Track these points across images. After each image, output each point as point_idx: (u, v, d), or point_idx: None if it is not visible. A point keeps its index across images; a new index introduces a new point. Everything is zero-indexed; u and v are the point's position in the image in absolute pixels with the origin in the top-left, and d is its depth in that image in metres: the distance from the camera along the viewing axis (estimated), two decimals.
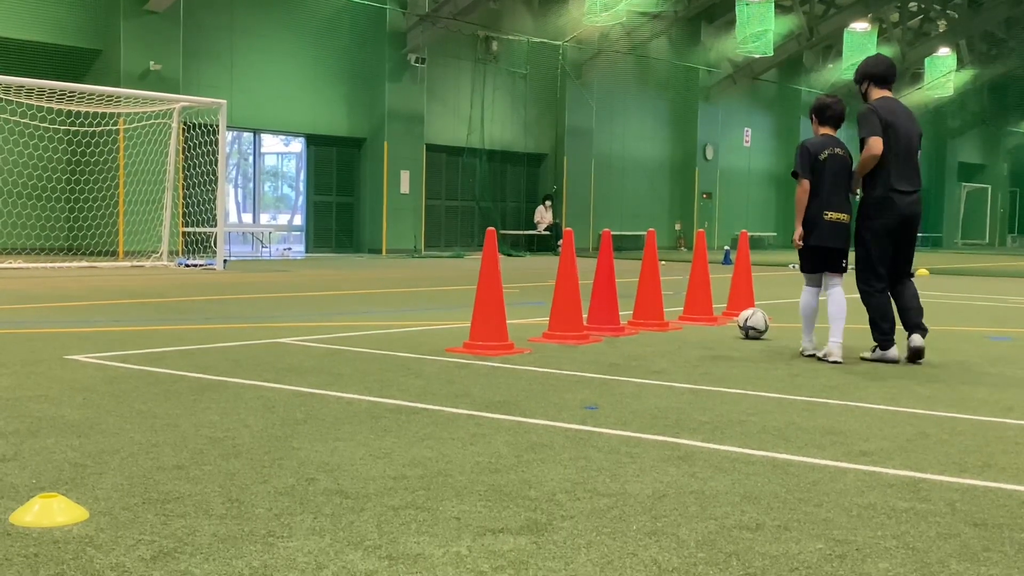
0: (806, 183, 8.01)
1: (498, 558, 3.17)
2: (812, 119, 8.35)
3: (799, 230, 8.07)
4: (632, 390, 6.37)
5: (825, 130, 8.25)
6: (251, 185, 27.04)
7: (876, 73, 8.24)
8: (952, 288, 17.56)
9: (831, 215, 7.99)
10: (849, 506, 3.85)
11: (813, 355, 8.05)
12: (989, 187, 52.17)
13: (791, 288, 16.72)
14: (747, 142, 37.93)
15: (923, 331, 7.94)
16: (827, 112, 8.25)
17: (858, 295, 8.13)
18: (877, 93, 8.25)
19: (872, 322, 8.03)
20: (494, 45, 29.17)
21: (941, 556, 3.30)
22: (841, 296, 8.08)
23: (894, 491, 4.08)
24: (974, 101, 48.08)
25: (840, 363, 7.82)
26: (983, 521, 3.70)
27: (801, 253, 8.17)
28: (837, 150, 8.08)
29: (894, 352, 7.92)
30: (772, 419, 5.50)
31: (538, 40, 29.93)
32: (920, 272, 22.32)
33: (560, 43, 30.32)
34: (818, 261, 8.15)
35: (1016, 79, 47.34)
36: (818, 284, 8.25)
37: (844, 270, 8.15)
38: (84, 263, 18.72)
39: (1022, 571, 3.17)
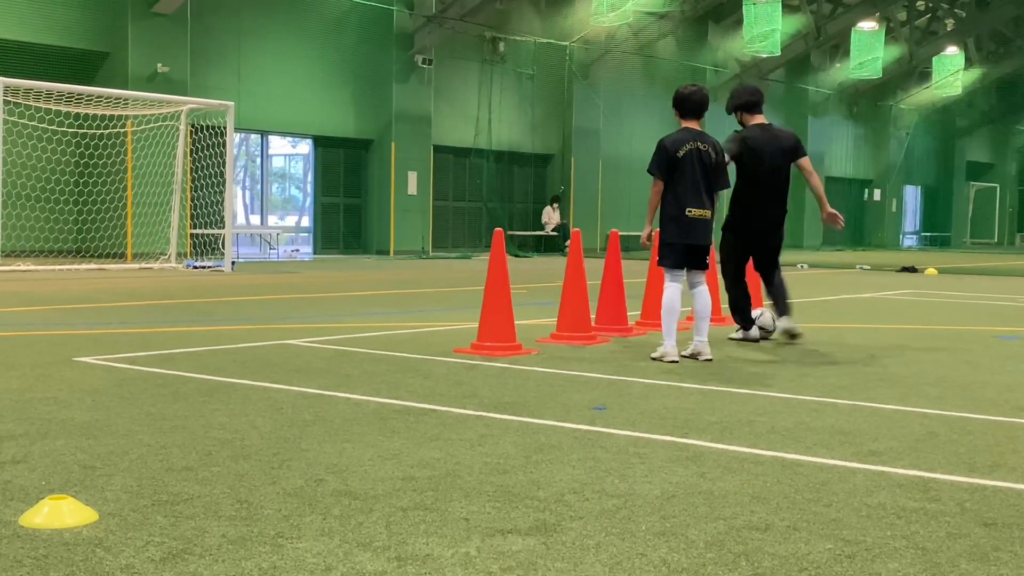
0: (660, 183, 7.90)
1: (507, 559, 3.17)
2: (675, 112, 8.14)
3: (647, 228, 8.05)
4: (640, 391, 6.37)
5: (688, 123, 8.02)
6: (259, 187, 27.06)
7: (741, 103, 9.17)
8: (961, 287, 17.53)
9: (693, 212, 7.78)
10: (858, 506, 3.84)
11: (675, 362, 7.61)
12: (998, 186, 52.06)
13: (800, 288, 16.68)
14: None
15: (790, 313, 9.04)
16: (687, 104, 8.00)
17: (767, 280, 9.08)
18: (749, 119, 9.14)
19: (734, 309, 9.13)
20: (501, 46, 29.18)
21: (951, 556, 3.29)
22: (707, 294, 7.96)
23: (903, 491, 4.07)
24: (982, 100, 47.98)
25: (711, 360, 7.73)
26: (993, 521, 3.69)
27: (665, 249, 7.92)
28: (699, 144, 7.83)
29: (755, 332, 9.03)
30: (781, 419, 5.49)
31: (545, 41, 29.94)
32: (929, 271, 22.29)
33: (567, 43, 30.32)
34: (683, 257, 7.88)
35: None
36: (681, 280, 7.93)
37: (707, 267, 7.98)
38: (92, 265, 18.76)
39: None
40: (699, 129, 8.03)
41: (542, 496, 3.89)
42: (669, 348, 7.69)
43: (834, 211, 8.96)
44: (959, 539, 3.47)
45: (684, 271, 7.92)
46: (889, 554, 3.30)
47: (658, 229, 8.09)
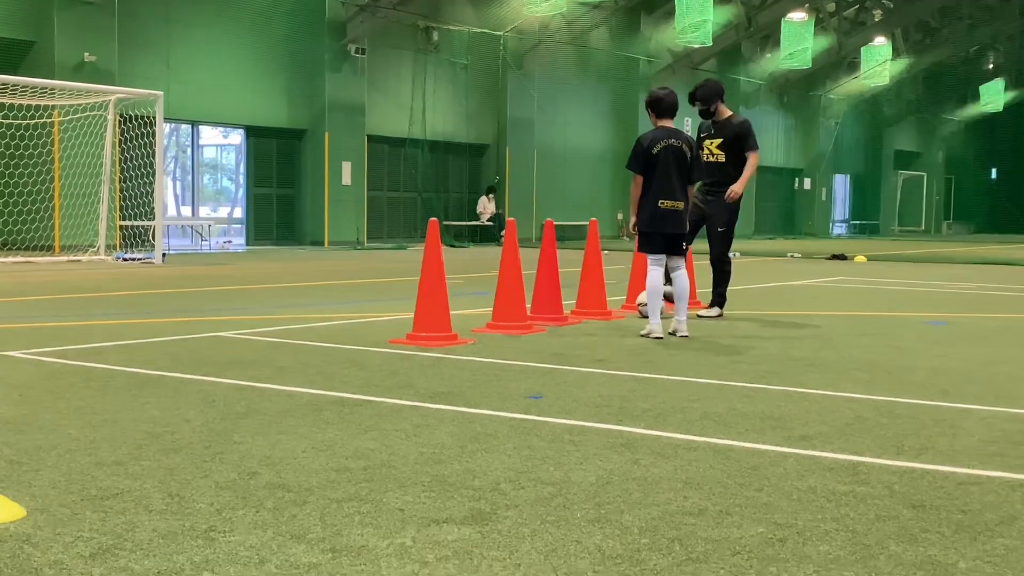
0: (639, 178, 8.55)
1: (443, 548, 3.17)
2: (649, 112, 8.77)
3: (633, 219, 8.70)
4: (575, 379, 6.39)
5: (663, 122, 8.67)
6: (190, 178, 26.73)
7: (720, 93, 10.18)
8: (889, 274, 17.82)
9: (666, 203, 8.47)
10: (789, 490, 3.89)
11: (660, 338, 8.33)
12: (925, 175, 52.98)
13: (733, 276, 16.83)
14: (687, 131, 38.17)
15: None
16: (661, 105, 8.64)
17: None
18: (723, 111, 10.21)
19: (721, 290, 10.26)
20: (435, 35, 29.08)
21: (880, 538, 3.35)
22: (685, 278, 8.66)
23: (833, 475, 4.13)
24: (909, 89, 48.76)
25: (688, 336, 8.45)
26: (921, 503, 3.76)
27: (643, 238, 8.65)
28: (672, 141, 8.51)
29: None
30: (713, 405, 5.55)
31: (479, 30, 29.89)
32: (858, 259, 22.63)
33: (501, 33, 30.29)
34: (661, 245, 8.57)
35: (950, 67, 48.08)
36: (663, 264, 8.62)
37: (684, 253, 8.72)
38: (19, 258, 18.41)
39: (960, 551, 3.23)
40: (673, 127, 8.70)
41: (477, 485, 3.89)
42: (655, 326, 8.42)
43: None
44: (888, 521, 3.53)
45: (665, 256, 8.60)
46: (820, 537, 3.35)
47: None
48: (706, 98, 10.15)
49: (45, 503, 3.57)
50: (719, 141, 10.10)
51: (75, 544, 3.15)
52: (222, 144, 28.58)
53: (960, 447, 4.65)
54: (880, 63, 41.70)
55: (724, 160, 10.07)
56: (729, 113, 10.23)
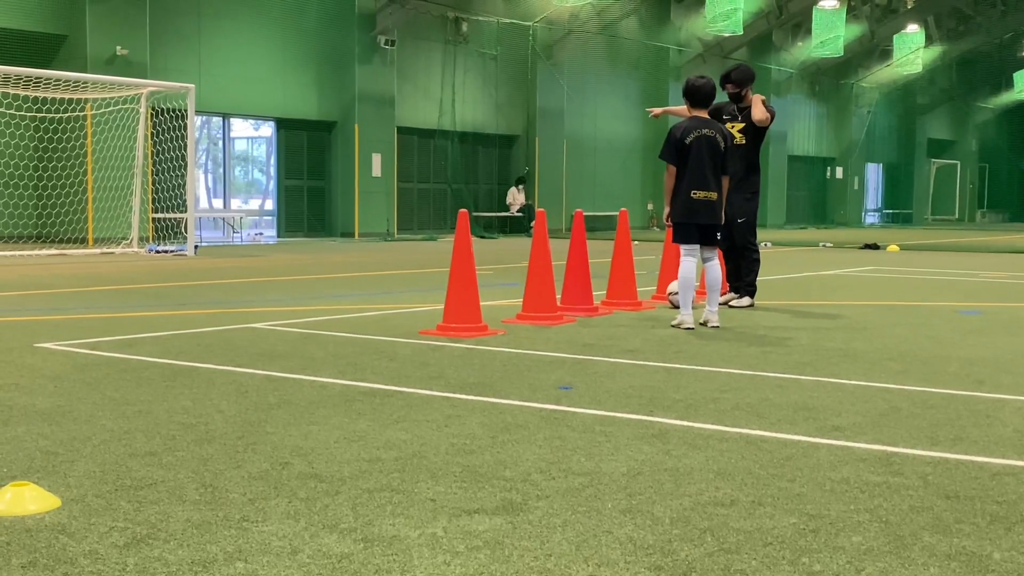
0: (672, 168, 8.53)
1: (474, 538, 3.17)
2: (685, 102, 8.77)
3: (667, 209, 8.70)
4: (606, 369, 6.38)
5: (697, 112, 8.65)
6: (221, 170, 26.86)
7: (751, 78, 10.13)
8: (922, 263, 17.68)
9: (699, 194, 8.44)
10: (822, 481, 3.87)
11: (691, 328, 8.29)
12: (958, 163, 52.49)
13: (764, 266, 16.76)
14: None
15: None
16: (698, 96, 8.63)
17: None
18: (748, 95, 10.04)
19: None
20: (464, 26, 29.05)
21: (914, 529, 3.32)
22: (717, 268, 8.63)
23: (867, 465, 4.11)
24: (943, 77, 48.32)
25: (719, 327, 8.42)
26: (955, 493, 3.73)
27: (676, 228, 8.61)
28: (706, 131, 8.46)
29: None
30: (745, 396, 5.52)
31: (508, 21, 29.83)
32: (891, 248, 22.46)
33: (530, 24, 30.23)
34: (694, 235, 8.52)
35: (984, 55, 47.58)
36: (696, 254, 8.57)
37: (717, 243, 8.70)
38: (53, 250, 18.57)
39: (994, 542, 3.20)
40: (707, 117, 8.67)
41: (508, 476, 3.89)
42: (686, 316, 8.38)
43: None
44: (922, 512, 3.50)
45: (698, 247, 8.53)
46: (853, 528, 3.33)
47: None
48: (741, 81, 10.05)
49: (80, 493, 3.60)
50: (741, 126, 9.97)
51: (110, 534, 3.18)
52: (253, 136, 28.71)
53: (995, 437, 4.61)
54: (913, 51, 41.33)
55: (743, 144, 9.91)
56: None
